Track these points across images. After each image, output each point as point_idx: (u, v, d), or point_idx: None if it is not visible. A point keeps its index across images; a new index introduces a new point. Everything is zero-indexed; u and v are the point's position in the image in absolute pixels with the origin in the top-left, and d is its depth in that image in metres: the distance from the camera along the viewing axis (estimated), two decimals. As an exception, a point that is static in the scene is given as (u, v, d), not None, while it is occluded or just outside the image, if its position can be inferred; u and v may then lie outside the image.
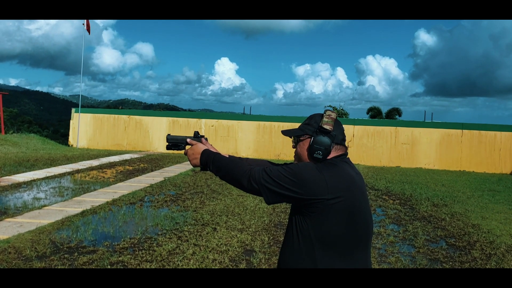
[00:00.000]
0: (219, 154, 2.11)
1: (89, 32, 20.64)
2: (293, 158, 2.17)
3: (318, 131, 2.00)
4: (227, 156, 2.12)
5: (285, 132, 2.14)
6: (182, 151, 2.30)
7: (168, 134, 2.28)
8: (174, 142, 2.27)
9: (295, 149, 2.12)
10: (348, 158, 2.09)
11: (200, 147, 2.16)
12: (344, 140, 2.07)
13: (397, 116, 38.05)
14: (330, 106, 37.38)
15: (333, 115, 2.03)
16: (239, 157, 2.18)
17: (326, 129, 1.98)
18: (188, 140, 2.24)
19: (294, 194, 1.87)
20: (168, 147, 2.28)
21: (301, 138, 2.06)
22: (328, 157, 2.00)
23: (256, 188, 1.92)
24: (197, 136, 2.23)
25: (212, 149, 2.18)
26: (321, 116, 2.04)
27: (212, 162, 2.07)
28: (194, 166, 2.16)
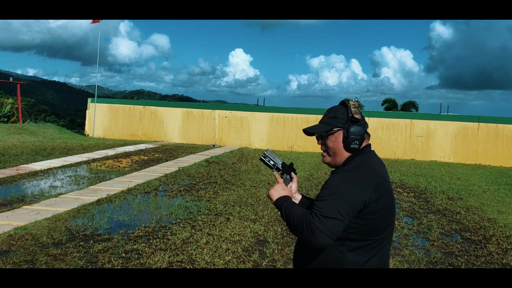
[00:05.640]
0: (293, 206, 1.99)
1: (92, 23, 20.83)
2: (322, 155, 2.11)
3: (349, 122, 2.00)
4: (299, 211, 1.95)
5: (312, 129, 2.07)
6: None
7: (268, 149, 2.26)
8: (266, 162, 2.24)
9: (323, 145, 2.07)
10: (373, 150, 2.10)
11: (279, 192, 2.08)
12: (367, 127, 2.09)
13: (413, 110, 37.64)
14: (347, 100, 37.05)
15: (356, 103, 2.04)
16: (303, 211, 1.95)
17: (357, 118, 1.99)
18: (274, 172, 2.21)
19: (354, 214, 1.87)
20: (261, 159, 2.26)
21: (331, 132, 2.03)
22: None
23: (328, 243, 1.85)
24: (291, 166, 2.21)
25: (291, 191, 2.14)
26: (345, 107, 2.04)
27: (284, 209, 1.98)
28: (269, 196, 2.10)
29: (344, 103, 2.06)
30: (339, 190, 1.85)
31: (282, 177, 2.18)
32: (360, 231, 1.88)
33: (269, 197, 2.09)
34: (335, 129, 2.01)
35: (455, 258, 5.49)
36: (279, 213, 7.17)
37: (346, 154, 2.02)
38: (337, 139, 2.01)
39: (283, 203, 2.00)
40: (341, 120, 2.01)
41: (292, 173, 2.19)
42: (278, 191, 2.08)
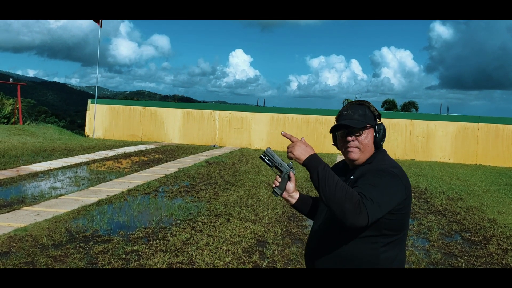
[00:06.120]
0: (332, 170, 1.91)
1: (100, 26, 20.80)
2: (351, 151, 2.07)
3: (376, 120, 2.10)
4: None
5: (354, 123, 2.03)
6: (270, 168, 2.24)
7: (268, 148, 2.23)
8: (265, 160, 2.21)
9: (353, 141, 2.05)
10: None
11: (307, 151, 1.97)
12: None
13: (413, 110, 37.64)
14: (346, 100, 37.11)
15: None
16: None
17: (380, 117, 2.10)
18: (273, 170, 2.20)
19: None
20: (261, 157, 2.24)
21: (366, 128, 2.07)
22: None
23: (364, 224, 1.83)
24: (290, 166, 2.19)
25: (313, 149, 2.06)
26: (366, 105, 2.11)
27: (322, 170, 1.87)
28: (296, 158, 1.97)
29: (362, 103, 2.12)
30: (384, 187, 1.88)
31: (280, 176, 2.19)
32: (392, 227, 1.95)
33: (294, 158, 1.97)
34: (368, 125, 2.07)
35: (455, 259, 5.49)
36: (279, 212, 7.18)
37: (372, 151, 2.09)
38: (368, 136, 2.07)
39: (319, 164, 1.88)
40: (370, 118, 2.08)
41: (291, 173, 2.19)
42: (303, 149, 1.97)
